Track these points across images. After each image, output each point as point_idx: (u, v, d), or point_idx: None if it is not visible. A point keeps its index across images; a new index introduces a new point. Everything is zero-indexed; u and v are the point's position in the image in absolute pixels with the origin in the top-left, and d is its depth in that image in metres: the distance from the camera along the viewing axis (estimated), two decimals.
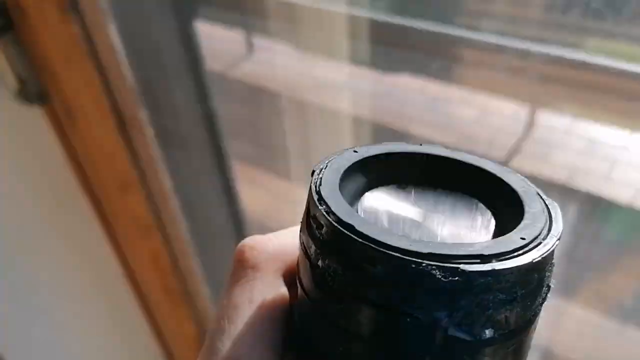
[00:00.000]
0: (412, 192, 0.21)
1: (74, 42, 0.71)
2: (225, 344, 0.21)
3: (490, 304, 0.16)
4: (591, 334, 0.83)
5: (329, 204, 0.18)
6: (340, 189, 0.19)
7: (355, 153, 0.21)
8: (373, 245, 0.16)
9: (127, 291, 1.05)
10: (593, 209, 0.78)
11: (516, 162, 0.75)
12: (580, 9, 0.52)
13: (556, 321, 0.86)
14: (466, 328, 0.16)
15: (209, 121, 0.74)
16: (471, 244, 0.16)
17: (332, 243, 0.18)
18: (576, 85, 0.58)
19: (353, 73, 0.71)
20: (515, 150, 0.74)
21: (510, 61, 0.58)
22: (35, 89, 0.78)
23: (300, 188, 0.82)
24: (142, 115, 0.77)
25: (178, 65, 0.72)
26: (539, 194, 0.20)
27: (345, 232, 0.17)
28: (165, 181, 0.84)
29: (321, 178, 0.20)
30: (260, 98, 0.84)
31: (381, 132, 0.75)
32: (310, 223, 0.19)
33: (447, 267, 0.15)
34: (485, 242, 0.17)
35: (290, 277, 0.23)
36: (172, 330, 1.08)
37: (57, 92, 0.78)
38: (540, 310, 0.18)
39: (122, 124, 0.77)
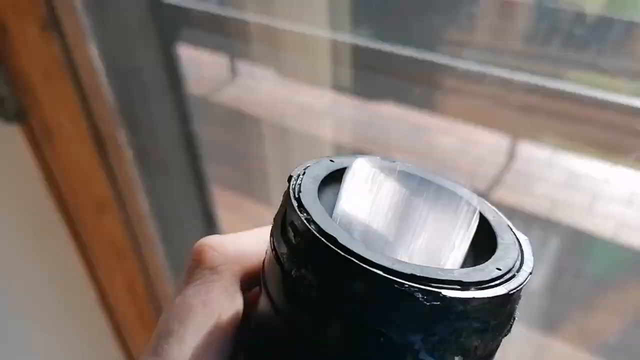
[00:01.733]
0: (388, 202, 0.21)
1: (53, 61, 0.71)
2: (173, 347, 0.20)
3: (464, 332, 0.16)
4: None
5: (310, 212, 0.18)
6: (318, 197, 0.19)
7: (332, 162, 0.21)
8: (355, 261, 0.16)
9: (100, 316, 1.03)
10: (575, 243, 0.78)
11: (497, 193, 0.75)
12: (562, 40, 0.53)
13: (539, 357, 0.85)
14: (437, 354, 0.16)
15: (189, 144, 0.74)
16: (451, 270, 0.17)
17: (310, 253, 0.17)
18: (557, 116, 0.59)
19: (335, 100, 0.71)
20: (496, 181, 0.75)
21: (491, 90, 0.59)
22: (13, 107, 0.78)
23: None
24: (121, 136, 0.77)
25: (159, 87, 0.72)
26: (509, 227, 0.20)
27: (327, 243, 0.16)
28: (142, 204, 0.83)
29: (300, 185, 0.19)
30: (242, 123, 0.84)
31: None
32: (286, 229, 0.18)
33: (428, 290, 0.15)
34: (464, 269, 0.17)
35: (247, 282, 0.23)
36: None
37: (35, 111, 0.77)
38: (501, 341, 0.19)
39: (101, 144, 0.77)
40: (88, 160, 0.78)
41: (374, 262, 0.16)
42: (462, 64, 0.58)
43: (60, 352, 1.14)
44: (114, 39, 0.71)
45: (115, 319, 1.02)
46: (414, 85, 0.63)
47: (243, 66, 0.87)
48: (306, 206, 0.18)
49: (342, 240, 0.16)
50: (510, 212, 0.80)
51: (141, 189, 0.81)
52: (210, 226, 0.82)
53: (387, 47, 0.59)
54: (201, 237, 0.23)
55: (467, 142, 0.81)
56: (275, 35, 0.64)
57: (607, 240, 0.76)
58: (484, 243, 0.19)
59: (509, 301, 0.17)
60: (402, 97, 0.67)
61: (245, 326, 0.22)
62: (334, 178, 0.21)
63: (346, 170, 0.20)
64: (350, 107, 0.72)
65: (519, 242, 0.19)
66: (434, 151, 0.80)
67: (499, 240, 0.19)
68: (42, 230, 0.96)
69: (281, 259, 0.18)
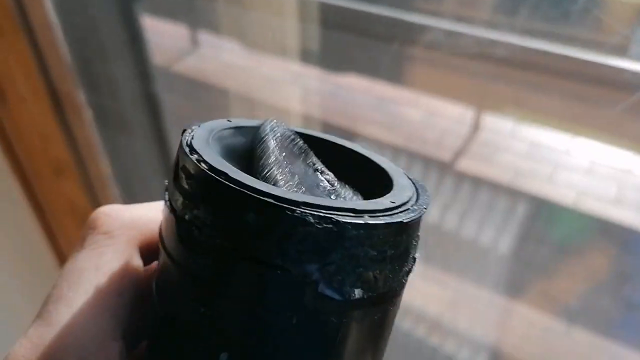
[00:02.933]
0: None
1: (6, 15, 0.68)
2: (61, 311, 0.19)
3: (361, 260, 0.16)
4: (539, 335, 0.85)
5: (200, 153, 0.18)
6: (211, 144, 0.19)
7: (229, 122, 0.21)
8: (246, 191, 0.16)
9: None
10: (538, 211, 0.80)
11: (462, 163, 0.76)
12: (528, 11, 0.54)
13: (504, 321, 0.88)
14: (336, 285, 0.16)
15: (150, 102, 0.72)
16: (345, 200, 0.17)
17: (203, 192, 0.17)
18: (521, 85, 0.60)
19: (301, 71, 0.71)
20: (461, 152, 0.76)
21: (457, 60, 0.59)
22: None
23: None
24: (79, 94, 0.74)
25: (118, 43, 0.70)
26: (405, 174, 0.21)
27: (218, 178, 0.17)
28: (103, 166, 0.81)
29: (193, 135, 0.19)
30: (205, 94, 0.83)
31: (329, 131, 0.76)
32: (178, 175, 0.18)
33: (321, 215, 0.15)
34: (358, 201, 0.18)
35: (148, 251, 0.22)
36: None
37: None
38: (405, 281, 0.19)
39: (58, 104, 0.74)
40: (44, 120, 0.76)
41: (266, 192, 0.16)
42: (429, 30, 0.58)
43: (20, 322, 1.12)
44: None
45: None
46: (381, 49, 0.63)
47: (205, 37, 0.85)
48: (197, 149, 0.18)
49: (232, 174, 0.17)
50: (475, 181, 0.82)
51: (102, 150, 0.79)
52: None
53: (355, 5, 0.59)
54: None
55: (432, 113, 0.82)
56: None
57: (569, 208, 0.78)
58: (381, 188, 0.20)
59: (404, 232, 0.17)
60: (369, 68, 0.67)
61: (145, 299, 0.21)
62: (231, 133, 0.21)
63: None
64: (316, 79, 0.72)
65: (415, 185, 0.20)
66: (400, 123, 0.81)
67: (395, 183, 0.20)
68: None
69: (174, 206, 0.18)
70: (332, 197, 0.19)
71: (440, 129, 0.78)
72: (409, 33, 0.58)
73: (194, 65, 0.83)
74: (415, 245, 0.19)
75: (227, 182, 0.16)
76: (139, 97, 0.73)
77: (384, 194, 0.19)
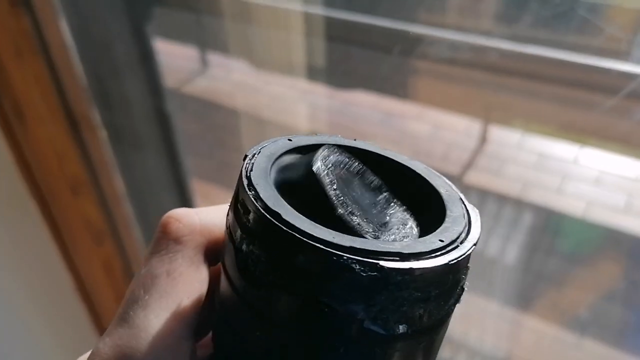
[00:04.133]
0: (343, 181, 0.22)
1: (23, 37, 0.71)
2: (138, 314, 0.21)
3: (406, 301, 0.17)
4: (549, 346, 0.84)
5: (257, 190, 0.18)
6: (271, 175, 0.20)
7: (290, 141, 0.22)
8: (297, 235, 0.17)
9: (77, 301, 1.03)
10: (547, 222, 0.79)
11: (470, 176, 0.76)
12: (531, 19, 0.54)
13: (514, 333, 0.87)
14: (381, 322, 0.17)
15: (163, 120, 0.74)
16: (392, 243, 0.17)
17: (258, 229, 0.18)
18: (528, 95, 0.60)
19: (308, 89, 0.72)
20: (468, 165, 0.76)
21: (462, 71, 0.60)
22: None
23: None
24: (94, 114, 0.76)
25: (131, 63, 0.72)
26: (461, 199, 0.21)
27: (271, 219, 0.17)
28: (118, 183, 0.83)
29: (253, 163, 0.20)
30: (215, 114, 0.85)
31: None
32: (237, 207, 0.19)
33: (366, 262, 0.16)
34: (405, 241, 0.18)
35: (212, 255, 0.24)
36: None
37: (5, 89, 0.77)
38: (452, 310, 0.19)
39: (74, 124, 0.77)
40: (61, 140, 0.78)
41: (315, 236, 0.17)
42: (434, 40, 0.59)
43: (37, 338, 1.13)
44: (85, 14, 0.70)
45: (93, 302, 1.01)
46: (386, 61, 0.64)
47: (214, 57, 0.87)
48: (255, 184, 0.19)
49: (285, 215, 0.17)
50: (483, 194, 0.82)
51: (116, 168, 0.81)
52: (187, 204, 0.82)
53: (360, 19, 0.60)
54: None
55: (439, 127, 0.82)
56: (247, 9, 0.64)
57: (578, 218, 0.78)
58: (434, 216, 0.20)
59: (450, 271, 0.18)
60: (374, 81, 0.68)
61: (210, 299, 0.23)
62: (292, 155, 0.21)
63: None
64: (323, 96, 0.73)
65: (468, 214, 0.20)
66: (407, 137, 0.81)
67: (448, 212, 0.20)
68: (14, 214, 0.95)
69: (233, 235, 0.19)
70: (386, 218, 0.20)
71: (447, 142, 0.79)
72: (413, 45, 0.59)
73: (204, 85, 0.85)
74: (464, 277, 0.19)
75: (279, 224, 0.17)
76: (151, 115, 0.75)
77: (436, 220, 0.19)
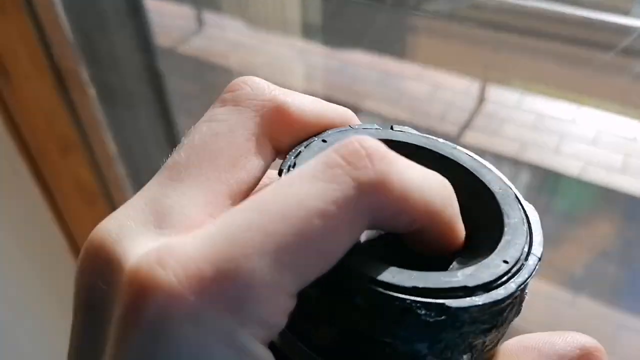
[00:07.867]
0: None
1: None
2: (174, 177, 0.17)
3: (471, 334, 0.16)
4: (544, 304, 0.86)
5: None
6: None
7: (324, 143, 0.19)
8: (354, 277, 0.16)
9: (70, 262, 1.03)
10: (543, 181, 0.80)
11: (468, 136, 0.76)
12: None
13: None
14: (445, 356, 0.16)
15: (154, 77, 0.72)
16: (454, 273, 0.16)
17: None
18: (526, 52, 0.59)
19: (305, 49, 0.71)
20: (466, 125, 0.76)
21: (460, 29, 0.59)
22: None
23: None
24: (82, 71, 0.75)
25: (119, 17, 0.70)
26: (517, 198, 0.19)
27: None
28: (109, 143, 0.82)
29: None
30: (210, 74, 0.83)
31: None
32: None
33: (432, 304, 0.15)
34: (468, 269, 0.16)
35: (286, 145, 0.20)
36: None
37: None
38: (510, 322, 0.18)
39: (61, 81, 0.75)
40: (48, 97, 0.77)
41: (374, 279, 0.16)
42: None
43: (32, 299, 1.15)
44: None
45: None
46: (384, 18, 0.62)
47: (210, 16, 0.85)
48: None
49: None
50: (481, 153, 0.82)
51: (107, 127, 0.80)
52: None
53: None
54: None
55: (437, 87, 0.82)
56: None
57: (574, 177, 0.78)
58: (488, 222, 0.18)
59: (517, 297, 0.17)
60: (373, 42, 0.67)
61: None
62: None
63: None
64: (320, 56, 0.72)
65: (526, 216, 0.18)
66: (405, 97, 0.81)
67: (506, 220, 0.18)
68: (3, 175, 0.94)
69: None
70: None
71: (445, 102, 0.79)
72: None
73: (199, 45, 0.83)
74: (526, 293, 0.18)
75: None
76: (142, 71, 0.74)
77: (491, 225, 0.18)
